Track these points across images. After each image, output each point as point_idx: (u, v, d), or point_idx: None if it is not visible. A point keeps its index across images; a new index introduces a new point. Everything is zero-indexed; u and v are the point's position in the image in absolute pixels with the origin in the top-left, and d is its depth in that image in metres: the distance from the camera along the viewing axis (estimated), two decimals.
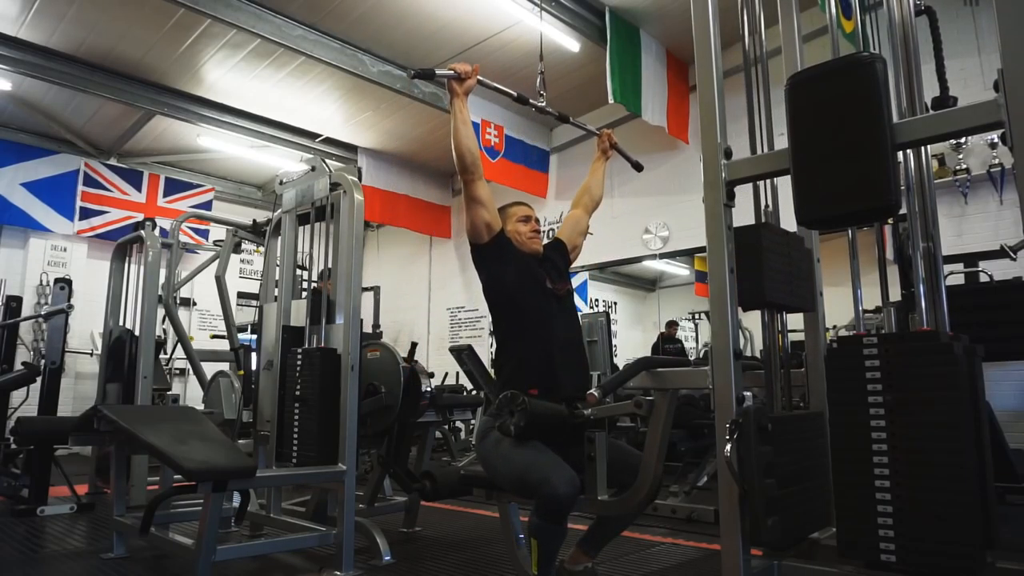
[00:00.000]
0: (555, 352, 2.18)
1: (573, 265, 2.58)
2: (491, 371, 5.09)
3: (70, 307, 4.86)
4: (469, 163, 2.20)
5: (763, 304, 1.67)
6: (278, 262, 3.37)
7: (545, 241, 2.49)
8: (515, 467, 1.98)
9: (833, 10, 1.93)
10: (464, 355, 5.50)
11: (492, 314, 2.32)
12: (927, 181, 1.62)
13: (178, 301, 5.10)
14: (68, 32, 5.77)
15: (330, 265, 3.18)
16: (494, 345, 2.28)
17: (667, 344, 7.09)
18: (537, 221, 2.45)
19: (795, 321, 1.95)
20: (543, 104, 2.62)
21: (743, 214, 1.75)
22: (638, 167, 2.87)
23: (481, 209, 2.24)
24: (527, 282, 2.25)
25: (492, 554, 3.03)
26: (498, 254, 2.26)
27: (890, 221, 2.63)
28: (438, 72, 2.19)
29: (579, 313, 2.57)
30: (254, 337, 3.63)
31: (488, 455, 2.12)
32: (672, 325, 7.42)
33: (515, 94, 2.44)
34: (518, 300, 2.23)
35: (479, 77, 2.27)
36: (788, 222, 1.76)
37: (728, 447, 1.42)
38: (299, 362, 2.90)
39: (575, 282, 2.61)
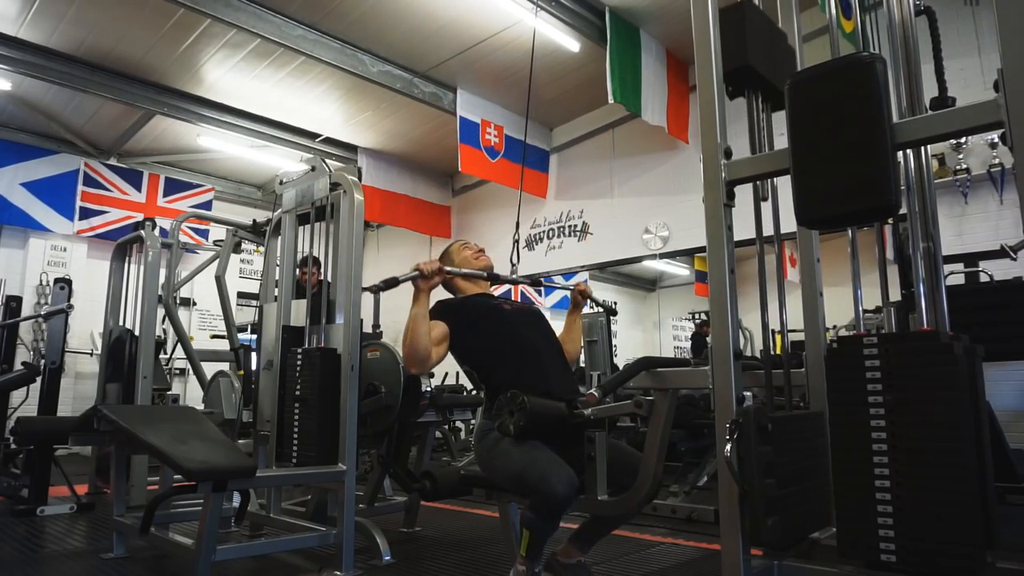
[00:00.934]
0: (541, 358, 2.25)
1: (572, 265, 2.63)
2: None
3: (70, 307, 4.86)
4: (419, 361, 2.16)
5: (746, 64, 1.71)
6: (278, 262, 3.37)
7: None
8: (514, 465, 1.99)
9: (833, 10, 1.93)
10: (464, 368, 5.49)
11: (470, 368, 2.37)
12: (927, 181, 1.62)
13: (178, 301, 5.10)
14: (68, 32, 5.77)
15: (314, 253, 3.20)
16: (485, 394, 2.33)
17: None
18: (474, 249, 2.55)
19: (795, 321, 1.95)
20: (514, 277, 2.77)
21: (743, 214, 1.75)
22: (612, 312, 2.93)
23: (439, 356, 2.24)
24: (487, 319, 2.32)
25: (492, 554, 3.03)
26: (461, 333, 2.29)
27: (890, 221, 2.63)
28: (401, 278, 2.20)
29: (582, 319, 2.64)
30: (254, 337, 3.62)
31: (487, 454, 2.12)
32: (705, 324, 7.43)
33: (485, 275, 2.48)
34: (488, 339, 2.29)
35: (446, 268, 2.32)
36: (788, 222, 1.76)
37: (728, 447, 1.42)
38: (299, 362, 2.90)
39: (575, 281, 2.65)
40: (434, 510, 3.93)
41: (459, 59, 6.29)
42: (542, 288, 7.63)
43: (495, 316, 2.34)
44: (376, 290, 2.15)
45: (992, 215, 4.82)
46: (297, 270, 4.00)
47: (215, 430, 2.71)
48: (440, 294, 2.40)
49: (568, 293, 2.68)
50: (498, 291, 2.61)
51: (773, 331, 1.88)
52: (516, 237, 3.17)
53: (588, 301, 2.70)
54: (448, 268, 2.34)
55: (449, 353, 2.32)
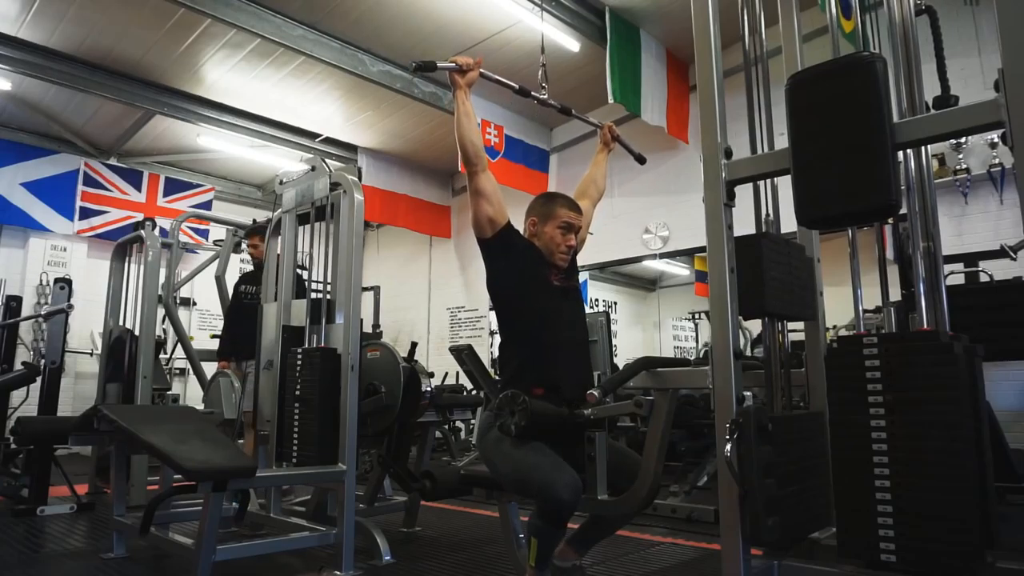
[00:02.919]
0: (559, 352, 2.16)
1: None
2: (492, 370, 5.09)
3: (70, 307, 4.86)
4: (472, 155, 2.17)
5: (763, 315, 1.68)
6: (278, 262, 3.37)
7: None
8: (517, 468, 1.98)
9: (833, 10, 1.93)
10: (464, 355, 5.49)
11: (496, 309, 2.29)
12: (927, 181, 1.62)
13: (178, 301, 5.10)
14: (68, 32, 5.77)
15: (312, 253, 3.22)
16: (497, 340, 2.25)
17: None
18: (576, 233, 2.28)
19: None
20: (545, 96, 2.59)
21: (743, 214, 1.75)
22: (641, 159, 2.83)
23: (484, 203, 2.18)
24: (531, 280, 2.19)
25: (492, 554, 3.03)
26: (502, 250, 2.20)
27: (890, 221, 2.63)
28: (439, 64, 2.16)
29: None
30: None
31: (490, 453, 2.11)
32: None
33: (517, 86, 2.41)
34: (521, 298, 2.19)
35: (482, 70, 2.23)
36: (788, 222, 1.76)
37: (728, 447, 1.42)
38: (299, 362, 2.90)
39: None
40: (434, 510, 3.93)
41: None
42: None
43: (540, 284, 2.20)
44: (415, 68, 2.11)
45: (992, 215, 4.82)
46: (244, 242, 4.14)
47: (215, 430, 2.71)
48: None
49: (599, 134, 2.72)
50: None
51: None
52: (543, 62, 3.06)
53: (617, 143, 2.73)
54: (484, 71, 2.26)
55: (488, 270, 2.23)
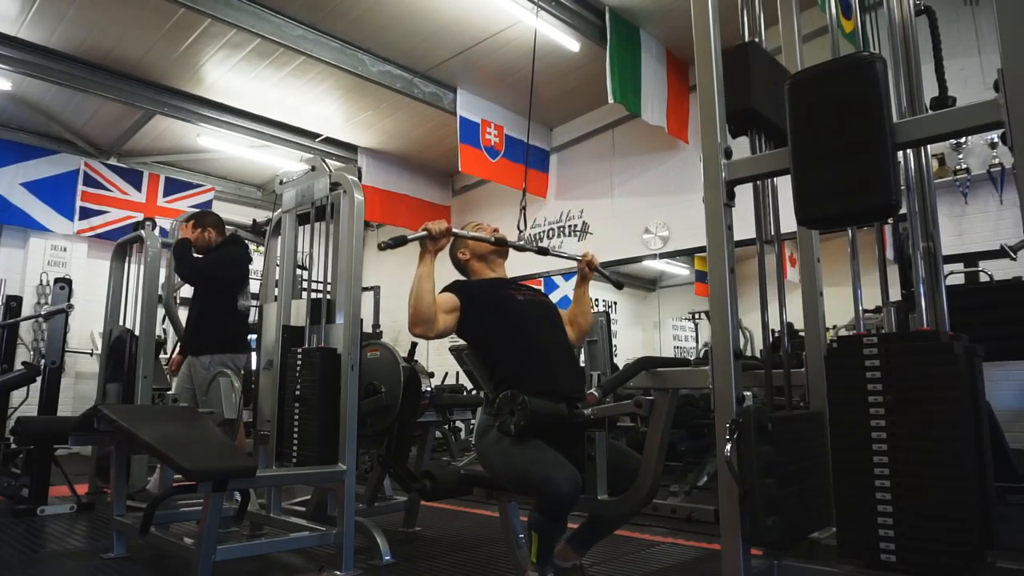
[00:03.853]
0: (544, 356, 2.22)
1: (572, 265, 2.58)
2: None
3: (70, 307, 4.86)
4: (423, 321, 2.15)
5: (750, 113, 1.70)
6: (278, 262, 3.37)
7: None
8: (516, 465, 1.99)
9: (833, 10, 1.93)
10: (464, 355, 5.48)
11: (477, 352, 2.35)
12: (927, 181, 1.62)
13: (178, 301, 5.09)
14: (68, 32, 5.77)
15: (313, 253, 3.23)
16: (490, 384, 2.31)
17: None
18: (491, 240, 2.43)
19: (795, 321, 1.96)
20: (521, 243, 2.57)
21: (743, 214, 1.75)
22: (619, 286, 2.80)
23: (446, 326, 2.23)
24: (497, 304, 2.29)
25: (492, 554, 3.03)
26: (471, 319, 2.27)
27: (890, 221, 2.63)
28: (410, 237, 2.19)
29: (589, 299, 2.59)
30: (254, 337, 3.62)
31: (488, 453, 2.12)
32: None
33: (492, 239, 2.40)
34: (496, 324, 2.26)
35: (453, 229, 2.30)
36: (788, 222, 1.76)
37: (728, 447, 1.42)
38: (299, 362, 2.90)
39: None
40: (434, 510, 3.93)
41: (459, 59, 6.29)
42: (542, 286, 7.62)
43: (507, 305, 2.31)
44: (384, 247, 2.13)
45: (992, 215, 4.82)
46: (186, 226, 4.04)
47: (215, 430, 2.71)
48: (451, 273, 2.41)
49: (576, 265, 2.59)
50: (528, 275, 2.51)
51: (773, 330, 1.88)
52: (523, 204, 3.10)
53: (595, 273, 2.64)
54: (456, 230, 2.32)
55: (455, 335, 2.31)
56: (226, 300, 3.93)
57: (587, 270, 2.56)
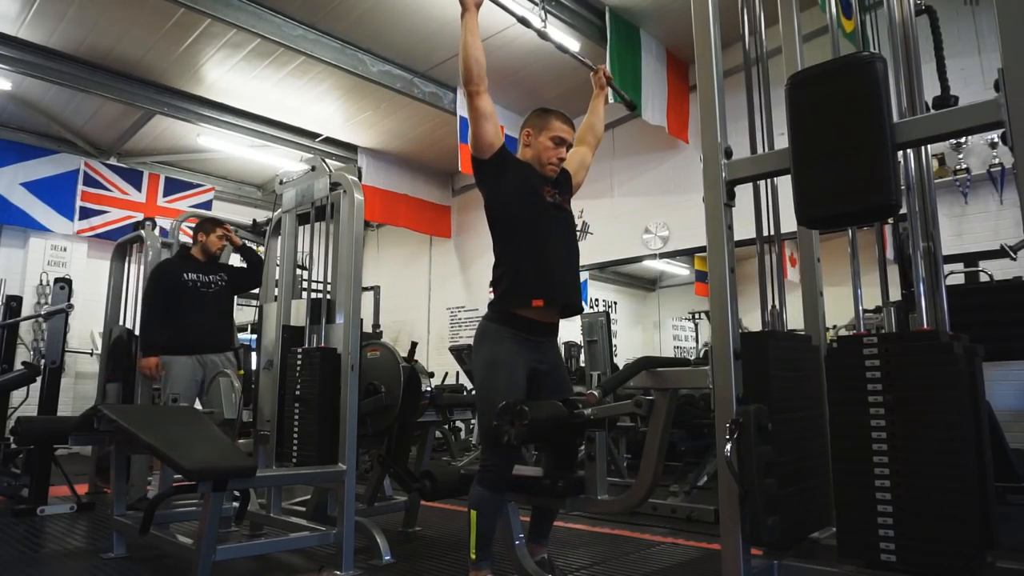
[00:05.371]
0: (553, 262, 2.23)
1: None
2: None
3: (70, 307, 4.85)
4: (475, 75, 2.20)
5: None
6: (278, 262, 3.37)
7: None
8: (487, 392, 2.12)
9: (833, 10, 1.93)
10: (464, 355, 5.49)
11: (492, 230, 2.34)
12: (927, 181, 1.62)
13: None
14: (68, 32, 5.76)
15: (312, 253, 3.24)
16: (495, 271, 2.31)
17: None
18: (568, 148, 2.39)
19: (795, 321, 1.96)
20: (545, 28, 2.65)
21: (743, 214, 1.75)
22: (631, 106, 2.88)
23: (486, 123, 2.23)
24: (526, 193, 2.28)
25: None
26: (499, 168, 2.28)
27: (890, 221, 2.64)
28: None
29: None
30: (254, 337, 3.62)
31: (476, 366, 2.23)
32: None
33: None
34: (516, 211, 2.27)
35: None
36: (788, 222, 1.76)
37: (728, 447, 1.42)
38: (299, 362, 2.90)
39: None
40: (434, 510, 3.93)
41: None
42: None
43: (533, 199, 2.28)
44: None
45: (992, 215, 4.82)
46: (202, 235, 4.04)
47: (215, 430, 2.71)
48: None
49: (593, 78, 2.85)
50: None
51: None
52: None
53: (610, 89, 2.84)
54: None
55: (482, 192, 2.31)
56: None
57: (603, 80, 2.81)
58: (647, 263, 7.42)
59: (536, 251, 2.22)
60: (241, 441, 3.57)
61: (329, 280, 3.12)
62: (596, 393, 1.96)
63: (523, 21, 2.58)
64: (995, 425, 3.26)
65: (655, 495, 2.63)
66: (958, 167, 4.87)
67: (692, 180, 6.50)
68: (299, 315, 3.13)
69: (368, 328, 8.52)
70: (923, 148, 1.60)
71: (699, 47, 1.65)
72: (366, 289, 8.80)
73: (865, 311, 1.92)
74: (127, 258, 4.61)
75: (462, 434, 6.83)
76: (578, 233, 2.60)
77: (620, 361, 5.87)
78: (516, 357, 2.13)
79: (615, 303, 8.27)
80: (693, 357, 7.32)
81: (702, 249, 2.80)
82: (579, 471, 2.13)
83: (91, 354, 7.47)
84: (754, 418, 1.43)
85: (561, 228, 2.33)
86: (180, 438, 2.43)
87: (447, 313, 9.00)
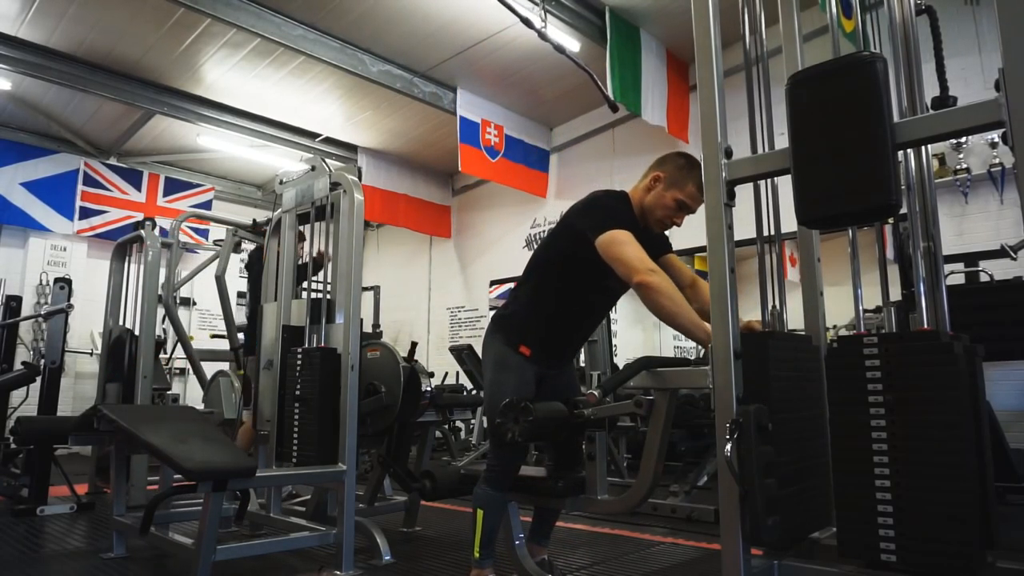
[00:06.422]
0: (572, 335, 2.29)
1: None
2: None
3: (70, 307, 4.85)
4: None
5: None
6: (278, 262, 3.37)
7: None
8: (494, 390, 2.11)
9: (833, 9, 1.92)
10: (464, 355, 5.48)
11: (540, 268, 2.23)
12: (927, 181, 1.62)
13: (178, 301, 5.10)
14: (68, 32, 5.76)
15: (313, 253, 3.24)
16: (521, 289, 2.26)
17: None
18: (689, 212, 2.19)
19: (795, 321, 1.95)
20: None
21: (743, 214, 1.75)
22: (614, 107, 2.78)
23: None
24: (600, 276, 2.07)
25: None
26: (581, 243, 2.07)
27: (890, 221, 2.63)
28: None
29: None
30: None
31: (487, 363, 2.22)
32: None
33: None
34: (579, 286, 2.17)
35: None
36: (788, 222, 1.76)
37: (728, 447, 1.42)
38: (299, 362, 2.90)
39: None
40: (434, 510, 3.93)
41: (459, 59, 6.28)
42: None
43: (606, 279, 2.10)
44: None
45: (992, 215, 4.82)
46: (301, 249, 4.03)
47: (215, 430, 2.71)
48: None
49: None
50: None
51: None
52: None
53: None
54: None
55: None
56: None
57: None
58: None
59: (567, 325, 2.24)
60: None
61: (329, 280, 3.12)
62: (596, 393, 1.96)
63: (526, 21, 2.58)
64: (995, 425, 3.27)
65: (655, 495, 2.63)
66: (958, 167, 4.87)
67: None
68: (299, 315, 3.13)
69: (368, 328, 8.52)
70: (923, 148, 1.60)
71: (699, 47, 1.65)
72: (366, 289, 8.79)
73: (865, 311, 1.92)
74: (127, 258, 4.61)
75: (462, 434, 6.83)
76: None
77: (620, 361, 5.86)
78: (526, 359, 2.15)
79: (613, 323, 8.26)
80: (693, 357, 7.31)
81: (702, 249, 2.80)
82: (580, 471, 2.13)
83: (91, 354, 7.47)
84: (754, 418, 1.43)
85: (603, 305, 2.34)
86: (180, 438, 2.42)
87: (447, 313, 9.00)
